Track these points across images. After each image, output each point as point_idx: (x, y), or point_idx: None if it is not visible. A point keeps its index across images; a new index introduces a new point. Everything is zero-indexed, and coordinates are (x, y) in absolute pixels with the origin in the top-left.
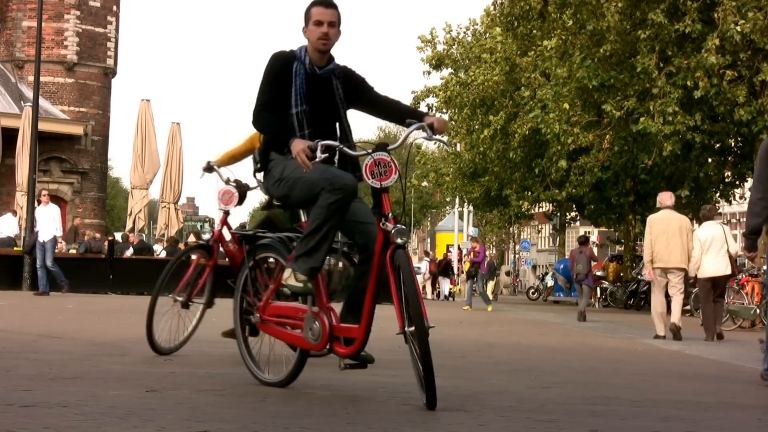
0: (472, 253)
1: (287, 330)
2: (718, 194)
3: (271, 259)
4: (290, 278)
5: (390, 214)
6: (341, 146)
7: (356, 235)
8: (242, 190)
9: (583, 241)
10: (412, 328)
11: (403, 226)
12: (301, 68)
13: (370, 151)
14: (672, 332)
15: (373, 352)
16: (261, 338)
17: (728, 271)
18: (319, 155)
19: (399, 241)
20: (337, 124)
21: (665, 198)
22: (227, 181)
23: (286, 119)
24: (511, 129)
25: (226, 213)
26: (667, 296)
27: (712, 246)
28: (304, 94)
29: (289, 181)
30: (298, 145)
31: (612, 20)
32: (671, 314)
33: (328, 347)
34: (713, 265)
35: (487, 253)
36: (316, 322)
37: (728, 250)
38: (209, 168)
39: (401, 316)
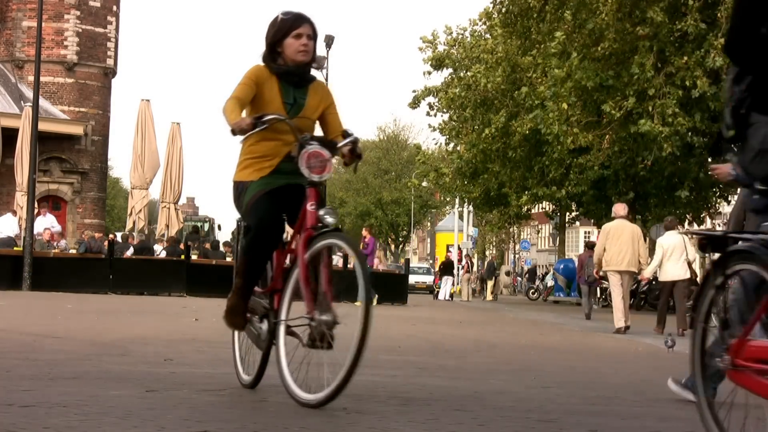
0: (361, 244)
1: None
2: (717, 194)
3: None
4: None
5: None
6: None
7: None
8: (332, 148)
9: (591, 245)
10: None
11: None
12: None
13: None
14: (619, 332)
15: (372, 353)
16: (734, 392)
17: (687, 276)
18: None
19: None
20: None
21: (619, 209)
22: (307, 140)
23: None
24: (512, 128)
25: (315, 186)
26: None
27: (673, 253)
28: None
29: None
30: None
31: (609, 18)
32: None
33: None
34: (674, 270)
35: (488, 253)
36: None
37: (687, 258)
38: (260, 120)
39: None
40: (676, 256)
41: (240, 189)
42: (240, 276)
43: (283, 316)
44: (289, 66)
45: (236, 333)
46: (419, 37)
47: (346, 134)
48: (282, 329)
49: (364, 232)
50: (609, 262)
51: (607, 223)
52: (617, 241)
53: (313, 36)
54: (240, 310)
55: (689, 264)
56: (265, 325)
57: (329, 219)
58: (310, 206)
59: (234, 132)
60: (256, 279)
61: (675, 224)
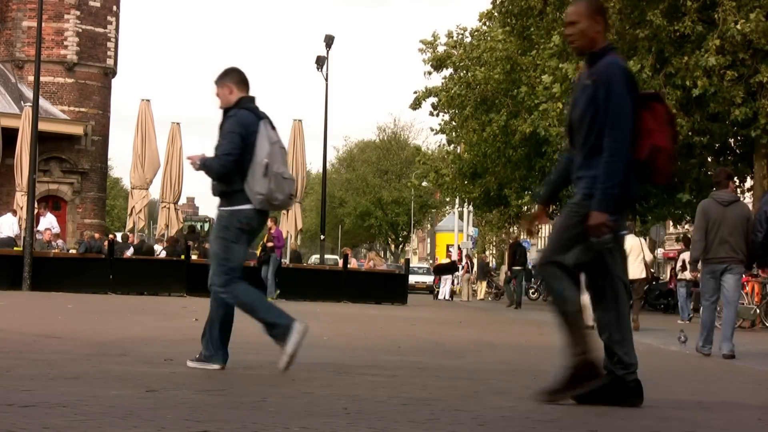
0: (266, 236)
1: None
2: None
3: None
4: None
5: None
6: None
7: None
8: None
9: None
10: None
11: None
12: None
13: None
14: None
15: (373, 352)
16: None
17: (643, 275)
18: None
19: None
20: None
21: None
22: None
23: None
24: (512, 127)
25: None
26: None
27: (630, 254)
28: None
29: None
30: None
31: (612, 19)
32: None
33: None
34: (631, 270)
35: (487, 253)
36: None
37: (644, 258)
38: None
39: None
40: (633, 256)
41: None
42: None
43: None
44: None
45: None
46: (419, 40)
47: None
48: None
49: (270, 223)
50: None
51: None
52: None
53: None
54: None
55: (646, 264)
56: None
57: None
58: None
59: None
60: None
61: (632, 228)
